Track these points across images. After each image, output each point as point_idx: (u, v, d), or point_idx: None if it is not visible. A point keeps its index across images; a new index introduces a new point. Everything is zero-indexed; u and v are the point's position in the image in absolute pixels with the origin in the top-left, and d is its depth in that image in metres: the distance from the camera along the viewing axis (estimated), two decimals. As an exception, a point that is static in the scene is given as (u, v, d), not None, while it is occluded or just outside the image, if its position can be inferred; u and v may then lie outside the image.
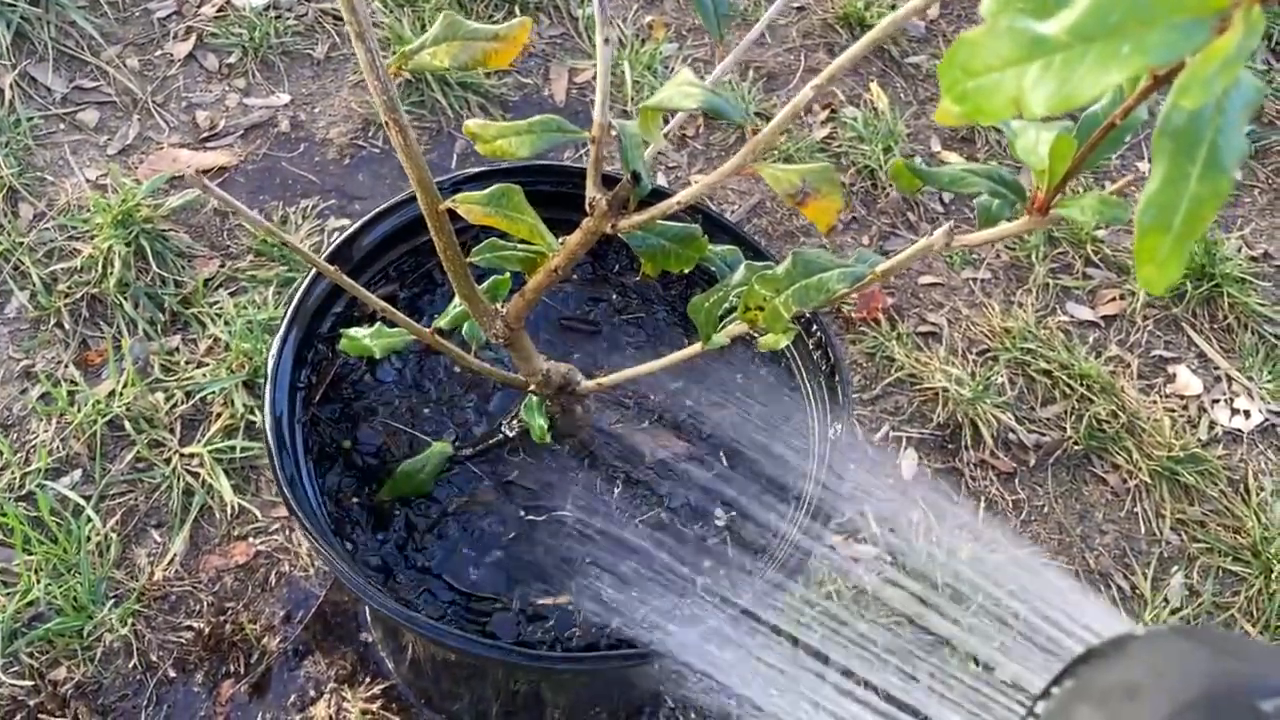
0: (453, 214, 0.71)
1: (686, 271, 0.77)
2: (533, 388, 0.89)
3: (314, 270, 0.98)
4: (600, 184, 0.67)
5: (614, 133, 0.66)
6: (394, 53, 0.65)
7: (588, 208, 0.66)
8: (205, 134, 1.64)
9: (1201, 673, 0.27)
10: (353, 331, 0.87)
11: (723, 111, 0.57)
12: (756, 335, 0.77)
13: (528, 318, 0.82)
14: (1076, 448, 1.57)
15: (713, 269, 0.80)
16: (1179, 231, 0.37)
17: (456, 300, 0.85)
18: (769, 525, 0.94)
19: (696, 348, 0.80)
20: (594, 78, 1.81)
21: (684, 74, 0.59)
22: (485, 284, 0.83)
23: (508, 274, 0.83)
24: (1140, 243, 0.38)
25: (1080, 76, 0.33)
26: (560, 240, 0.73)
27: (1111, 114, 0.52)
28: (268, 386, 0.91)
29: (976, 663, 1.17)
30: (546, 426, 0.92)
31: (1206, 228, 0.38)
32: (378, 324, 0.87)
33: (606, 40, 0.62)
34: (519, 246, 0.77)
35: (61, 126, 1.61)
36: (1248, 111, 0.36)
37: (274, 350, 0.93)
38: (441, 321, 0.86)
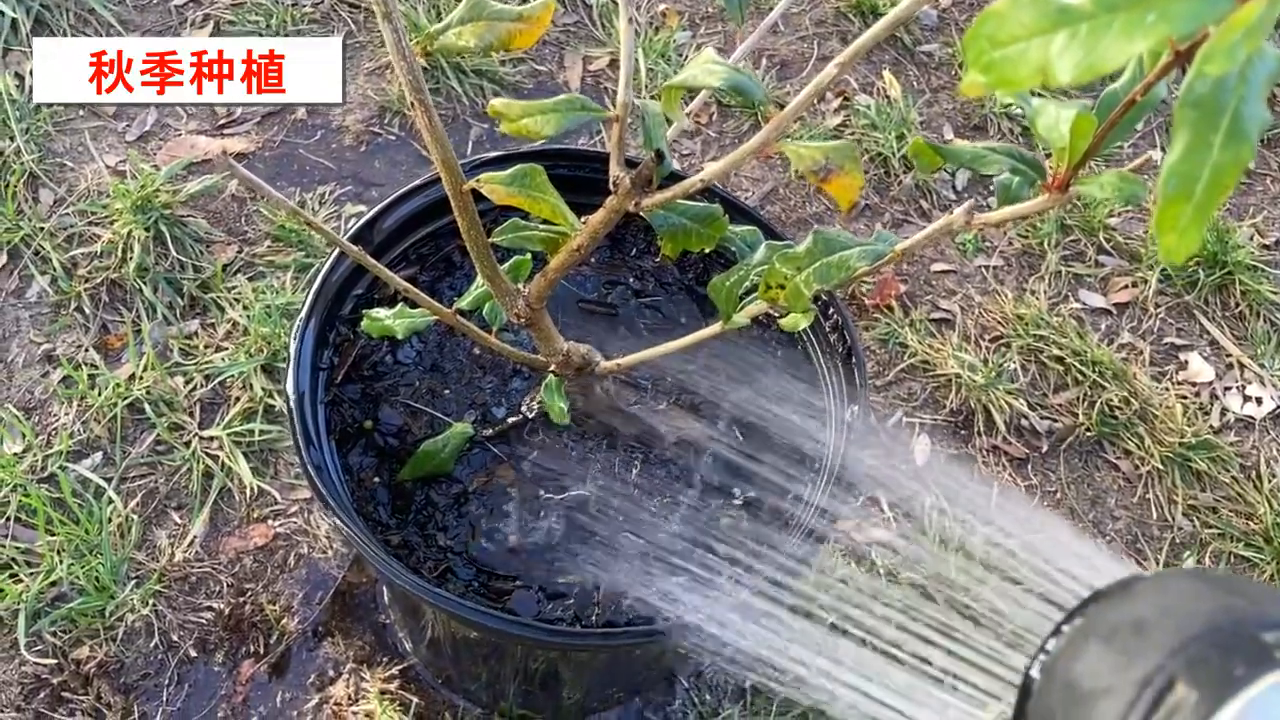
0: (475, 195, 0.72)
1: (706, 252, 0.77)
2: (553, 368, 0.90)
3: (336, 252, 0.99)
4: (623, 163, 0.68)
5: (631, 118, 0.67)
6: (411, 39, 0.66)
7: (611, 186, 0.67)
8: (223, 121, 1.65)
9: (1206, 609, 0.28)
10: (375, 312, 0.88)
11: (747, 90, 0.58)
12: (776, 316, 0.78)
13: (547, 300, 0.83)
14: (1089, 434, 1.57)
15: (732, 249, 0.81)
16: (1200, 200, 0.38)
17: (478, 281, 0.86)
18: (785, 505, 0.95)
19: (716, 328, 0.80)
20: (608, 65, 1.82)
21: (707, 53, 0.60)
22: (507, 265, 0.84)
23: (529, 255, 0.84)
24: (1162, 212, 0.39)
25: (1106, 45, 0.34)
26: (582, 220, 0.74)
27: (1132, 90, 0.53)
28: (290, 366, 0.92)
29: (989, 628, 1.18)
30: (566, 407, 0.93)
31: (1227, 197, 0.38)
32: (400, 304, 0.88)
33: (630, 20, 0.63)
34: (541, 226, 0.78)
35: (81, 113, 1.62)
36: (1270, 81, 0.37)
37: (296, 331, 0.94)
38: (463, 302, 0.87)
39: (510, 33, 0.69)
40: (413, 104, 0.66)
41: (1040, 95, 0.60)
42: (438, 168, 0.71)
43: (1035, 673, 0.32)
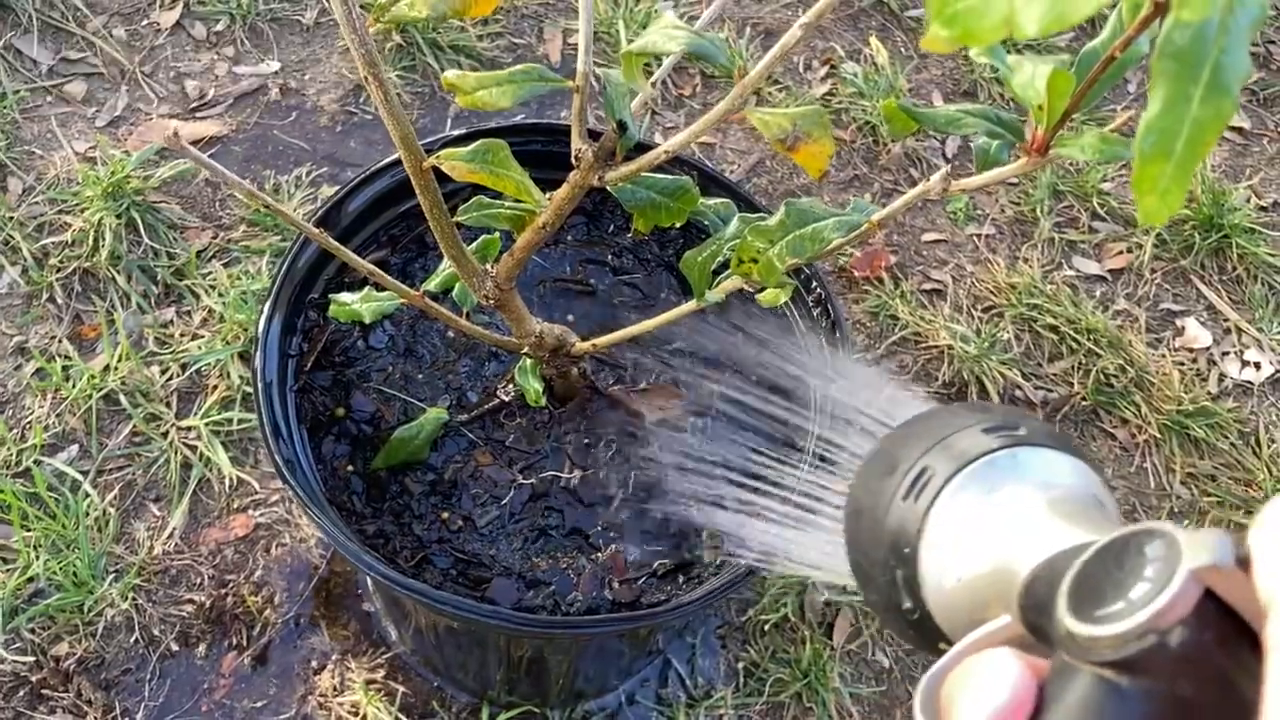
0: (441, 175, 0.70)
1: (679, 226, 0.74)
2: (526, 350, 0.87)
3: (302, 236, 0.96)
4: (586, 136, 0.65)
5: (597, 83, 0.64)
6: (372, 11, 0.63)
7: (573, 160, 0.65)
8: (195, 104, 1.62)
9: (951, 421, 0.40)
10: (341, 296, 0.86)
11: (707, 54, 0.55)
12: (753, 290, 0.75)
13: (520, 279, 0.80)
14: (1084, 403, 1.55)
15: (706, 223, 0.78)
16: (1181, 158, 0.35)
17: (446, 262, 0.83)
18: (770, 482, 0.93)
19: (692, 305, 0.78)
20: (588, 38, 1.78)
21: (668, 17, 0.57)
22: (474, 244, 0.81)
23: (497, 234, 0.82)
24: (1140, 172, 0.36)
25: (1075, -8, 0.31)
26: (548, 196, 0.72)
27: (1111, 46, 0.50)
28: (257, 354, 0.90)
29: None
30: (541, 389, 0.91)
31: (1208, 153, 0.36)
32: (367, 288, 0.85)
33: (588, -15, 0.60)
34: (506, 204, 0.75)
35: (48, 99, 1.59)
36: (1253, 29, 0.34)
37: (263, 317, 0.91)
38: (430, 284, 0.84)
39: (465, 0, 0.66)
40: (366, 79, 0.63)
41: (1020, 52, 0.57)
42: (396, 145, 0.68)
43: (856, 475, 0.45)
